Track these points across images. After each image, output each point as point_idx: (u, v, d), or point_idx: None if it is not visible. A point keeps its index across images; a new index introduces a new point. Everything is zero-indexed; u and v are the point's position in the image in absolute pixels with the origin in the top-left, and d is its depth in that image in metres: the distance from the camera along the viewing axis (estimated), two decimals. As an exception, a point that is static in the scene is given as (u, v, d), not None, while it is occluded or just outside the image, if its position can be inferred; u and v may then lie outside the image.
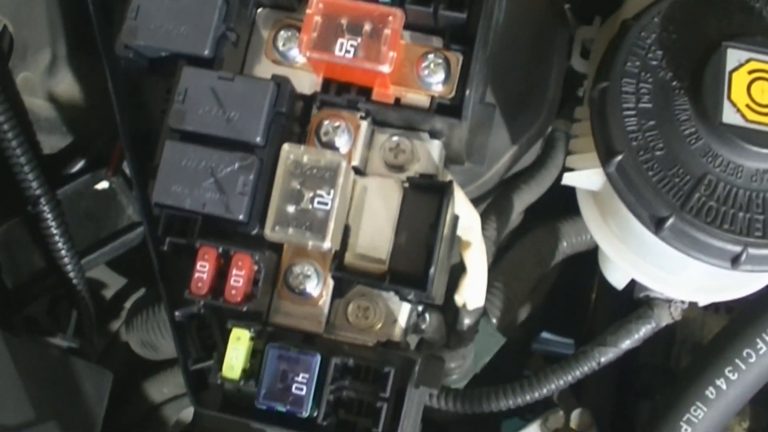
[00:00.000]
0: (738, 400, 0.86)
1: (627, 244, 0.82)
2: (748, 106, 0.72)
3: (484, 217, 0.94)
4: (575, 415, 0.99)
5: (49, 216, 0.86)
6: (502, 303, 0.97)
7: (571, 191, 0.88)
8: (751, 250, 0.73)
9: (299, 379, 0.72)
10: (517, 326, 1.07)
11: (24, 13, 0.91)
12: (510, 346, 1.04)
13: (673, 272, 0.82)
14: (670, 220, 0.73)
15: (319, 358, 0.72)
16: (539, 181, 0.98)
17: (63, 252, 0.87)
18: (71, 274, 0.88)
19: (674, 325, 1.03)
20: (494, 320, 0.96)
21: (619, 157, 0.74)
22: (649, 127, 0.75)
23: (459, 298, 0.88)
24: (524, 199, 0.97)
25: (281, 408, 0.72)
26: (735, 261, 0.74)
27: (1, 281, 0.89)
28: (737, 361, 0.85)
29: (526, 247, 1.00)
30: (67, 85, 0.91)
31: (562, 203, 0.96)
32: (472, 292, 0.87)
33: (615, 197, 0.77)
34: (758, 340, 0.84)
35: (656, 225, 0.74)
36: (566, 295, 1.15)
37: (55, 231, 0.87)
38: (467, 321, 0.89)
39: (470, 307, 0.88)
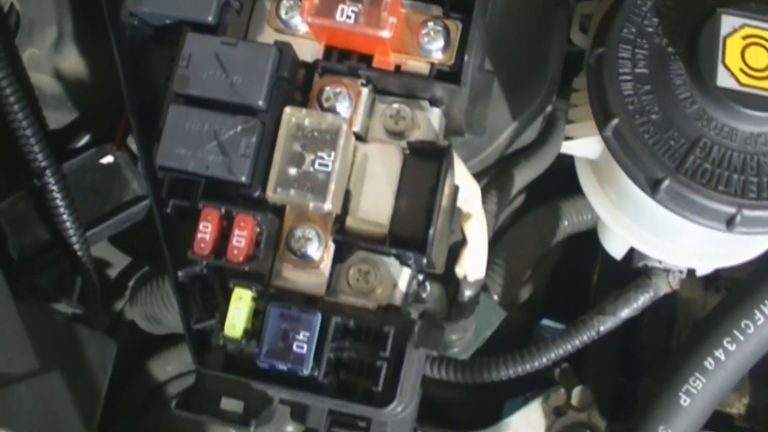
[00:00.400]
0: (736, 371, 0.88)
1: (624, 211, 0.84)
2: (741, 70, 0.75)
3: (485, 191, 0.97)
4: (576, 392, 1.01)
5: (54, 188, 0.89)
6: (503, 279, 0.99)
7: (572, 172, 0.90)
8: (746, 212, 0.75)
9: (300, 337, 0.74)
10: (520, 306, 1.10)
11: (27, -12, 0.94)
12: (513, 329, 1.06)
13: (670, 238, 0.84)
14: (666, 182, 0.75)
15: (319, 316, 0.74)
16: (540, 158, 1.00)
17: (68, 224, 0.90)
18: (76, 246, 0.91)
19: (675, 305, 1.06)
20: (495, 296, 0.99)
21: (616, 121, 0.77)
22: (645, 91, 0.77)
23: (460, 270, 0.90)
24: (525, 175, 1.00)
25: (282, 366, 0.74)
26: (730, 223, 0.76)
27: (7, 253, 0.91)
28: (735, 332, 0.86)
29: (528, 225, 1.02)
30: (72, 62, 0.93)
31: (564, 184, 0.99)
32: (473, 264, 0.90)
33: (612, 164, 0.79)
34: (756, 312, 0.86)
35: (652, 187, 0.76)
36: (568, 281, 1.17)
37: (60, 203, 0.89)
38: (468, 293, 0.92)
39: (471, 278, 0.90)
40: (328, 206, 0.74)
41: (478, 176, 0.98)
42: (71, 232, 0.90)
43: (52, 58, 0.94)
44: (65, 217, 0.90)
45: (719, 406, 1.00)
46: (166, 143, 0.76)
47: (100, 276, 1.02)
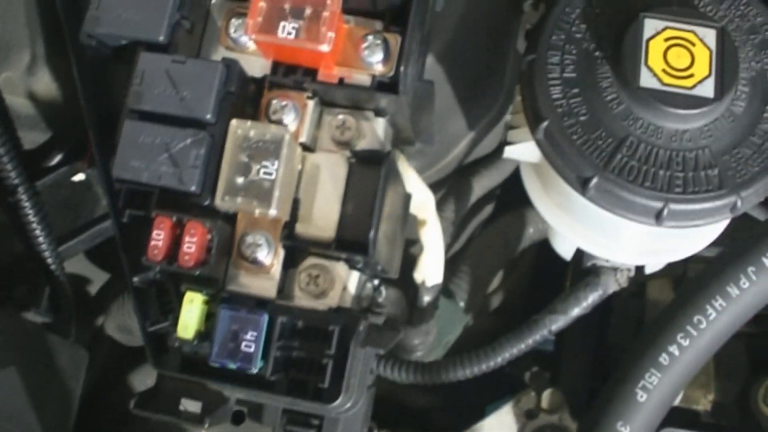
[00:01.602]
0: (691, 365, 0.94)
1: (567, 212, 0.91)
2: (664, 70, 0.82)
3: (443, 199, 1.04)
4: (546, 395, 1.08)
5: (27, 204, 0.97)
6: (469, 285, 1.06)
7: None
8: (672, 206, 0.82)
9: (248, 337, 0.82)
10: (494, 313, 1.17)
11: (4, 13, 1.03)
12: (487, 335, 1.13)
13: (611, 236, 0.91)
14: (595, 180, 0.82)
15: (266, 317, 0.82)
16: (499, 167, 1.08)
17: (41, 239, 0.98)
18: (49, 260, 0.98)
19: (644, 306, 1.13)
20: (461, 302, 1.06)
21: (546, 123, 0.84)
22: (573, 94, 0.84)
23: (418, 275, 0.97)
24: (483, 183, 1.07)
25: (232, 365, 0.82)
26: (658, 217, 0.83)
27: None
28: (688, 327, 0.92)
29: (493, 232, 1.10)
30: (45, 83, 1.02)
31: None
32: (430, 269, 0.97)
33: (551, 166, 0.87)
34: (708, 307, 0.92)
35: (582, 185, 0.83)
36: (547, 287, 1.24)
37: (33, 219, 0.98)
38: (427, 297, 0.99)
39: (429, 283, 0.98)
40: (273, 212, 0.82)
41: (436, 186, 1.06)
42: (44, 246, 0.98)
43: (26, 81, 1.02)
44: (38, 232, 0.98)
45: (685, 403, 1.07)
46: (122, 156, 0.84)
47: (80, 292, 1.10)
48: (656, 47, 0.83)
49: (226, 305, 0.82)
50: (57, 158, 1.04)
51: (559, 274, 1.22)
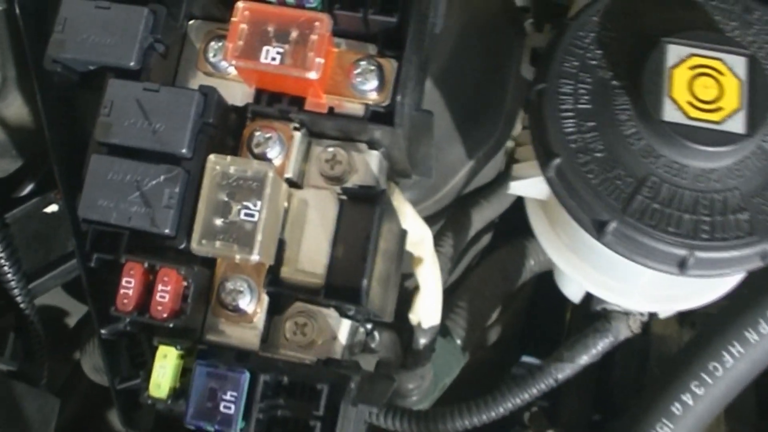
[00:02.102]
0: (705, 414, 0.81)
1: (577, 254, 0.78)
2: (689, 102, 0.69)
3: (441, 233, 0.91)
4: (546, 437, 0.95)
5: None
6: (467, 322, 0.93)
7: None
8: (699, 254, 0.69)
9: (227, 397, 0.69)
10: (489, 347, 1.03)
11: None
12: (486, 368, 1.00)
13: (625, 281, 0.78)
14: (612, 224, 0.69)
15: (247, 375, 0.69)
16: (500, 197, 0.94)
17: (9, 276, 0.84)
18: (18, 299, 0.85)
19: (649, 341, 0.99)
20: (458, 340, 0.92)
21: (558, 160, 0.70)
22: (588, 128, 0.71)
23: (413, 317, 0.84)
24: (484, 214, 0.93)
25: (210, 427, 0.68)
26: (682, 265, 0.69)
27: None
28: (703, 375, 0.80)
29: (492, 265, 0.96)
30: (16, 108, 0.88)
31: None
32: (426, 310, 0.84)
33: (561, 205, 0.73)
34: (724, 353, 0.80)
35: (598, 230, 0.70)
36: (543, 315, 1.11)
37: (0, 254, 0.84)
38: (423, 340, 0.85)
39: (425, 325, 0.84)
40: (255, 257, 0.68)
41: (434, 217, 0.92)
42: (13, 284, 0.85)
43: (-4, 106, 0.89)
44: (6, 269, 0.84)
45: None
46: (88, 194, 0.71)
47: (57, 325, 0.96)
48: (680, 76, 0.69)
49: (202, 362, 0.69)
50: (28, 188, 0.90)
51: (557, 306, 1.09)
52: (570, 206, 0.71)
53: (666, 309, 0.82)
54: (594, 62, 0.72)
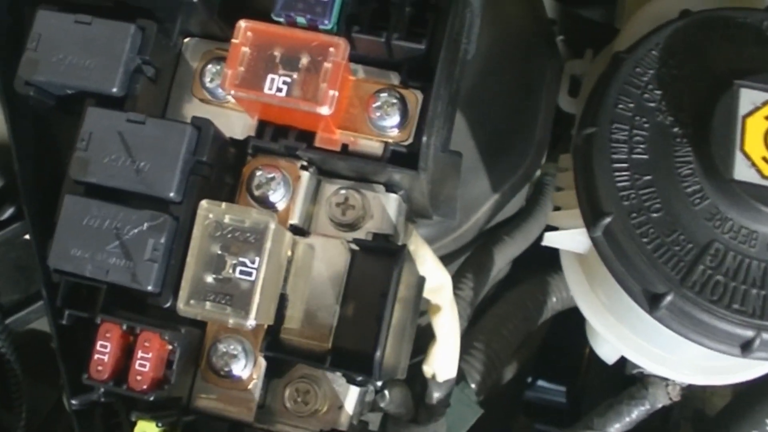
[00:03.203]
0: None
1: (617, 317, 0.62)
2: (765, 159, 0.52)
3: (460, 274, 0.74)
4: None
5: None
6: (483, 366, 0.77)
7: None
8: (766, 335, 0.52)
9: (215, 485, 0.53)
10: (502, 385, 0.87)
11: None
12: (500, 395, 0.84)
13: (670, 352, 0.61)
14: (668, 298, 0.53)
15: (239, 462, 0.53)
16: (525, 233, 0.78)
17: (-17, 311, 0.69)
18: (-6, 336, 0.69)
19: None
20: (473, 385, 0.76)
21: (608, 220, 0.54)
22: (644, 183, 0.54)
23: (428, 369, 0.68)
24: (507, 253, 0.77)
25: None
26: (746, 347, 0.53)
27: None
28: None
29: (511, 303, 0.79)
30: (-2, 124, 0.72)
31: (553, 252, 0.76)
32: (442, 363, 0.68)
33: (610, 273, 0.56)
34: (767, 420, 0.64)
35: (651, 303, 0.54)
36: (558, 339, 0.94)
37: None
38: (437, 394, 0.69)
39: (440, 378, 0.68)
40: (251, 323, 0.52)
41: (452, 255, 0.76)
42: (-13, 320, 0.69)
43: (-26, 120, 0.72)
44: (-21, 303, 0.69)
45: None
46: (61, 241, 0.54)
47: (44, 348, 0.80)
48: (755, 127, 0.53)
49: (187, 444, 0.53)
50: (8, 212, 0.73)
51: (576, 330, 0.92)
52: (618, 272, 0.55)
53: (710, 381, 0.65)
54: (652, 104, 0.56)
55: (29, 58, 0.56)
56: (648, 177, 0.54)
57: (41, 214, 0.59)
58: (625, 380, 0.82)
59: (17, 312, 0.72)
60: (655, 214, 0.54)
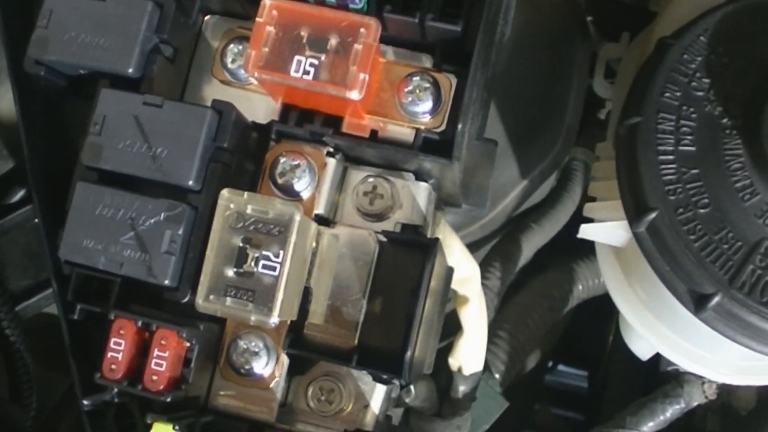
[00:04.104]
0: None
1: (656, 314, 0.58)
2: (821, 153, 0.48)
3: (487, 263, 0.70)
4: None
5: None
6: (507, 356, 0.73)
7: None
8: (820, 339, 0.49)
9: (235, 490, 0.49)
10: (524, 374, 0.83)
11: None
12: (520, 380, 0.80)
13: (710, 351, 0.58)
14: (715, 299, 0.49)
15: (261, 467, 0.49)
16: (553, 220, 0.73)
17: (-7, 298, 0.65)
18: (3, 323, 0.65)
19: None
20: (497, 375, 0.72)
21: (652, 215, 0.50)
22: (691, 177, 0.50)
23: (453, 362, 0.65)
24: (534, 241, 0.73)
25: None
26: (798, 351, 0.50)
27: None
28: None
29: (537, 292, 0.75)
30: (8, 102, 0.67)
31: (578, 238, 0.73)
32: (469, 356, 0.64)
33: (643, 258, 0.52)
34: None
35: (697, 303, 0.50)
36: (580, 326, 0.90)
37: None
38: (463, 388, 0.66)
39: (466, 371, 0.65)
40: (274, 320, 0.48)
41: (478, 243, 0.72)
42: (-4, 307, 0.65)
43: (-15, 97, 0.68)
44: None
45: None
46: (72, 232, 0.51)
47: (55, 333, 0.76)
48: (813, 119, 0.48)
49: (206, 448, 0.49)
50: (19, 195, 0.69)
51: (594, 317, 0.88)
52: (662, 271, 0.51)
53: (753, 382, 0.61)
54: (700, 93, 0.51)
55: (40, 35, 0.52)
56: (695, 170, 0.50)
57: (51, 201, 0.55)
58: (650, 370, 0.79)
59: (28, 299, 0.68)
60: (702, 210, 0.50)
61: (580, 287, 0.76)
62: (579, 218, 0.75)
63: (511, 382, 0.75)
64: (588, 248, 0.75)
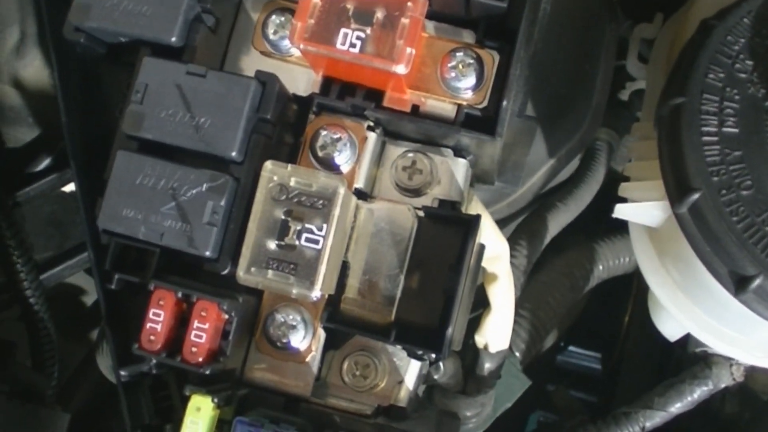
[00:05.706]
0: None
1: (689, 295, 0.57)
2: None
3: (513, 241, 0.70)
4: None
5: (2, 224, 0.63)
6: (528, 335, 0.72)
7: (608, 202, 0.63)
8: None
9: (273, 463, 0.49)
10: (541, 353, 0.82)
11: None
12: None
13: (745, 333, 0.57)
14: (757, 281, 0.49)
15: (295, 438, 0.49)
16: (577, 199, 0.73)
17: (18, 266, 0.64)
18: (27, 292, 0.64)
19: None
20: (518, 354, 0.72)
21: (695, 196, 0.49)
22: (734, 158, 0.50)
23: (480, 339, 0.64)
24: (560, 220, 0.72)
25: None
26: (838, 334, 0.49)
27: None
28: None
29: (558, 271, 0.75)
30: (35, 69, 0.66)
31: (598, 209, 0.72)
32: (496, 333, 0.63)
33: (681, 239, 0.52)
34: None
35: (737, 285, 0.49)
36: (594, 308, 0.90)
37: (9, 242, 0.63)
38: (488, 365, 0.65)
39: (493, 349, 0.64)
40: (316, 294, 0.48)
41: (505, 221, 0.71)
42: (22, 276, 0.64)
43: (12, 64, 0.67)
44: (15, 258, 0.63)
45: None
46: (112, 201, 0.50)
47: (74, 303, 0.76)
48: None
49: (243, 419, 0.48)
50: (44, 163, 0.68)
51: (610, 299, 0.88)
52: (704, 252, 0.50)
53: (784, 363, 0.62)
54: (744, 75, 0.51)
55: (80, 2, 0.51)
56: (738, 152, 0.50)
57: (88, 170, 0.54)
58: (666, 351, 0.78)
59: (51, 268, 0.67)
60: (745, 192, 0.49)
61: (601, 267, 0.76)
62: (600, 198, 0.75)
63: (531, 361, 0.75)
64: (608, 228, 0.75)
